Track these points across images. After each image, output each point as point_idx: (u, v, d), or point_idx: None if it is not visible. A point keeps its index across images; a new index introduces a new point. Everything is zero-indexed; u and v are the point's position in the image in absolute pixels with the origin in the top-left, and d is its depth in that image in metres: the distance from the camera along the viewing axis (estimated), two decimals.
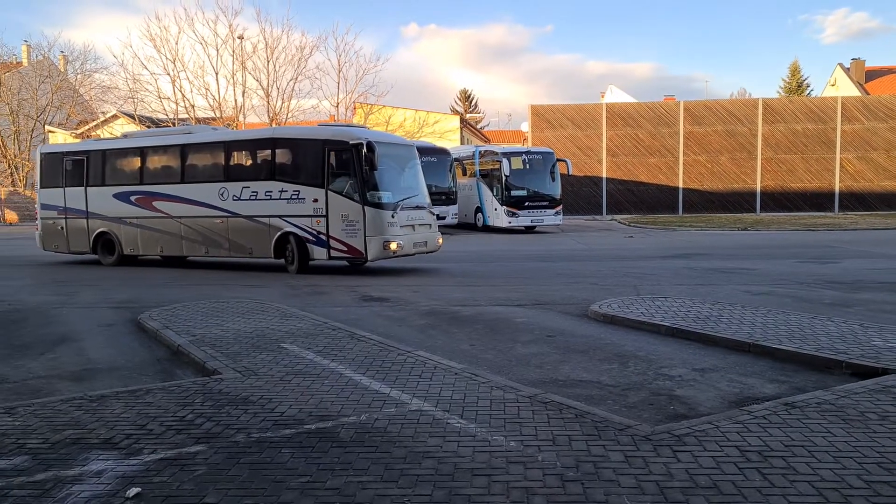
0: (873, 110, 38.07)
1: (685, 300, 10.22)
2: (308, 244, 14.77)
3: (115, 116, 45.28)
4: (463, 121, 52.00)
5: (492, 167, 28.56)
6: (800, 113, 38.67)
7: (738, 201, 38.61)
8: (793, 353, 7.12)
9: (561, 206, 28.61)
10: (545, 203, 27.98)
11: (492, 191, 28.38)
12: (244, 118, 40.38)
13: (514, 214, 27.56)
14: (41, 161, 18.94)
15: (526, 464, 4.34)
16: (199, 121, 39.54)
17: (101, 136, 37.11)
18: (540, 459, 4.40)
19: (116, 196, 17.38)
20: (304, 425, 5.12)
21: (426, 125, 42.46)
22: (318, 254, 14.70)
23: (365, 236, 14.12)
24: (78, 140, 44.19)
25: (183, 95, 40.67)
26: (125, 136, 19.48)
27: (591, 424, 5.00)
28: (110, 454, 4.61)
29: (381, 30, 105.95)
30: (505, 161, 27.39)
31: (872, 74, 55.21)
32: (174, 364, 7.54)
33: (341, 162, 14.33)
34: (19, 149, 47.77)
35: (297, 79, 40.92)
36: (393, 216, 14.28)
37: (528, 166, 28.12)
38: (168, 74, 40.35)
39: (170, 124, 39.74)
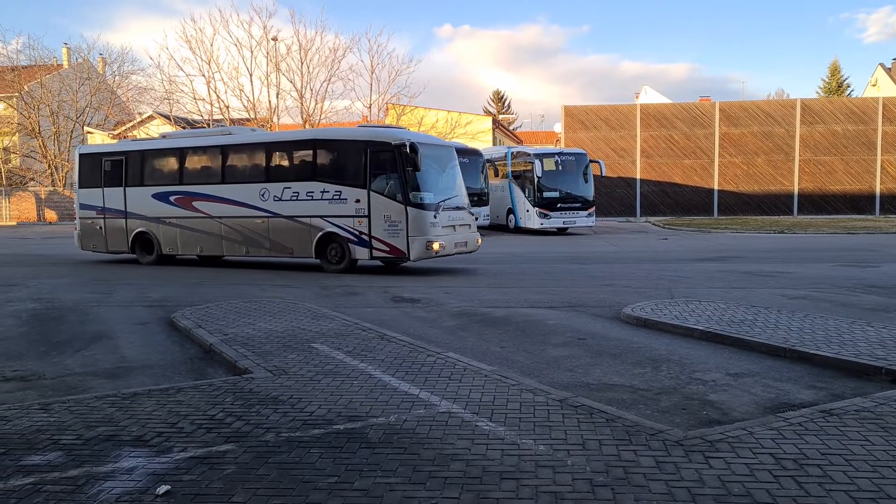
0: None
1: (719, 303, 10.05)
2: (350, 244, 14.93)
3: (151, 117, 46.06)
4: (495, 122, 51.92)
5: (524, 168, 28.44)
6: (839, 114, 37.92)
7: (774, 203, 37.99)
8: (830, 359, 6.96)
9: (594, 208, 28.40)
10: (577, 205, 27.79)
11: (524, 192, 28.26)
12: (278, 119, 40.78)
13: (545, 216, 27.42)
14: (80, 161, 19.12)
15: (555, 468, 4.29)
16: (233, 122, 40.01)
17: (138, 137, 37.70)
18: (569, 464, 4.35)
19: (156, 196, 17.51)
20: (333, 425, 5.12)
21: (458, 126, 42.46)
22: (360, 254, 14.86)
23: (408, 236, 14.30)
24: (115, 140, 45.08)
25: (218, 96, 41.23)
26: (163, 136, 19.64)
27: (622, 429, 4.94)
28: (141, 451, 4.66)
29: (415, 31, 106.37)
30: (537, 162, 27.27)
31: None
32: (206, 363, 7.62)
33: (383, 163, 14.54)
34: (59, 149, 48.76)
35: (330, 80, 41.24)
36: (435, 216, 14.43)
37: (560, 167, 27.94)
38: (203, 76, 40.95)
39: (205, 125, 40.31)
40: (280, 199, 15.73)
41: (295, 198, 15.53)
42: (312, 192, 15.31)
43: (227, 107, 41.42)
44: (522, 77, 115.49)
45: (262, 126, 38.54)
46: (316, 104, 40.90)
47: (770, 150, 38.08)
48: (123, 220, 18.04)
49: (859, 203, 37.50)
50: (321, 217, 15.19)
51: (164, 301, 11.66)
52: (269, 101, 41.26)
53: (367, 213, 14.63)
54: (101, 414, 5.45)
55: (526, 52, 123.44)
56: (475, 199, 26.36)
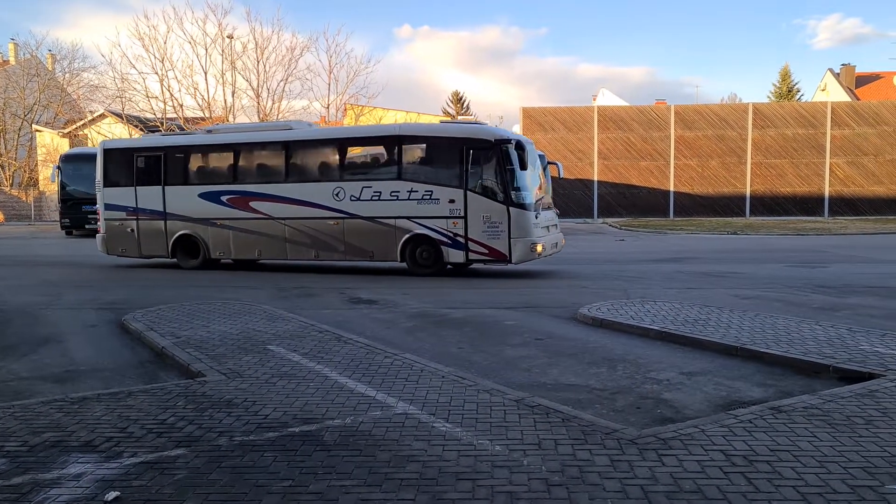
0: (863, 115, 38.26)
1: (674, 304, 10.21)
2: (442, 246, 14.25)
3: (102, 116, 45.02)
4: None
5: None
6: (790, 118, 38.84)
7: (728, 205, 38.73)
8: (780, 357, 7.11)
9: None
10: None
11: None
12: (234, 119, 40.23)
13: None
14: (104, 157, 17.17)
15: (511, 468, 4.31)
16: (187, 121, 39.37)
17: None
18: (525, 464, 4.37)
19: (204, 196, 16.11)
20: (288, 428, 5.07)
21: None
22: (454, 256, 14.24)
23: (510, 238, 13.73)
24: (65, 138, 43.97)
25: (171, 95, 40.47)
26: (209, 131, 17.67)
27: (578, 428, 4.97)
28: (90, 457, 4.54)
29: (374, 31, 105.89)
30: None
31: (862, 80, 55.55)
32: (158, 366, 7.47)
33: (482, 161, 13.93)
34: (6, 148, 47.44)
35: (287, 79, 40.83)
36: (536, 217, 13.98)
37: None
38: (156, 73, 40.15)
39: (157, 124, 39.59)
40: (358, 199, 14.77)
41: (377, 198, 14.61)
42: (398, 191, 14.45)
43: (182, 105, 40.74)
44: (482, 78, 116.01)
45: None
46: (273, 104, 40.51)
47: (723, 152, 38.82)
48: (162, 222, 16.46)
49: (808, 205, 38.45)
50: (408, 218, 14.39)
51: (117, 303, 11.40)
52: (225, 100, 40.72)
53: (463, 214, 13.97)
54: (47, 419, 5.31)
55: (485, 54, 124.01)
56: None
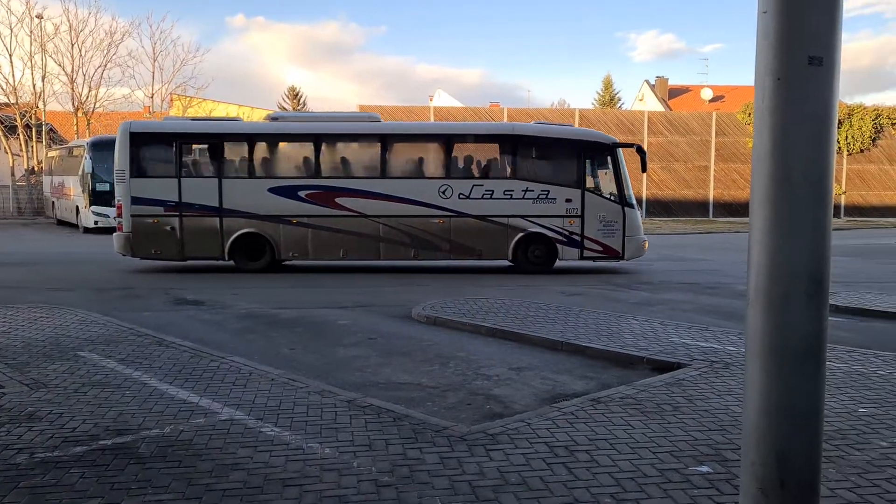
0: (675, 125, 41.50)
1: (505, 300, 10.53)
2: (558, 244, 14.53)
3: None
4: None
5: None
6: (612, 124, 41.37)
7: None
8: (601, 351, 7.53)
9: None
10: None
11: None
12: (44, 105, 36.99)
13: None
14: (130, 143, 14.48)
15: (341, 471, 4.23)
16: None
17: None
18: (355, 465, 4.30)
19: (275, 191, 14.48)
20: (99, 441, 4.69)
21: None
22: (569, 254, 14.59)
23: (623, 236, 14.46)
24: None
25: None
26: (273, 119, 15.92)
27: (409, 427, 4.97)
28: None
29: (204, 19, 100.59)
30: None
31: (675, 92, 60.25)
32: None
33: (598, 163, 14.75)
34: None
35: (106, 66, 38.02)
36: (640, 216, 14.79)
37: None
38: None
39: None
40: (468, 198, 14.41)
41: (489, 196, 14.45)
42: (512, 190, 14.44)
43: None
44: (320, 74, 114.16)
45: (26, 113, 34.93)
46: (90, 90, 37.62)
47: None
48: (217, 219, 14.42)
49: None
50: (522, 217, 14.44)
51: None
52: (34, 85, 37.30)
53: (580, 213, 14.39)
54: None
55: (324, 49, 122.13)
56: None
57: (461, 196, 14.49)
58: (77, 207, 25.52)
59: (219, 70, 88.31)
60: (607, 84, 65.49)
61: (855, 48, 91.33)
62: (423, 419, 5.17)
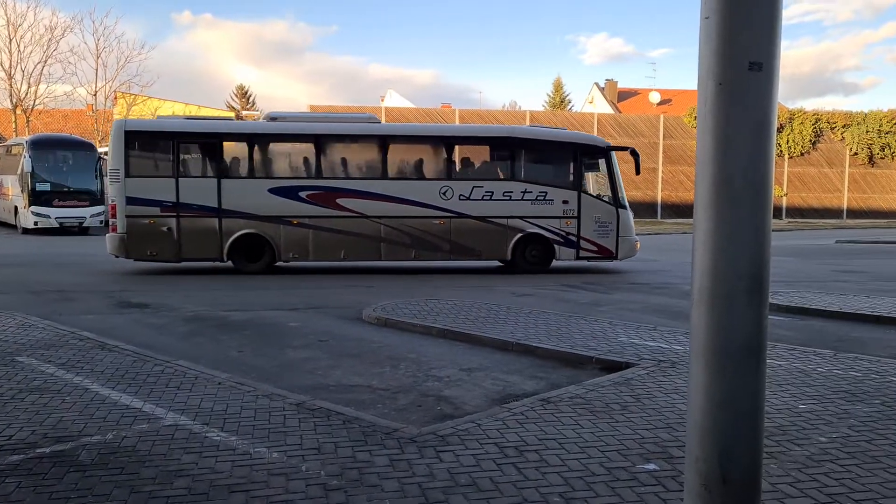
0: (624, 127, 42.16)
1: (456, 301, 10.55)
2: (555, 245, 14.89)
3: None
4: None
5: None
6: (562, 126, 41.83)
7: None
8: (551, 351, 7.59)
9: None
10: None
11: None
12: None
13: None
14: (125, 141, 14.10)
15: (289, 475, 4.17)
16: None
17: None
18: (304, 469, 4.25)
19: (275, 191, 14.33)
20: (37, 449, 4.54)
21: None
22: (565, 254, 14.99)
23: (617, 237, 14.89)
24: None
25: None
26: (272, 118, 15.30)
27: (359, 430, 4.93)
28: None
29: (150, 15, 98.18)
30: None
31: (624, 95, 61.15)
32: None
33: (593, 165, 15.27)
34: None
35: (46, 62, 36.98)
36: (632, 217, 15.28)
37: None
38: None
39: None
40: (468, 199, 14.63)
41: (488, 197, 14.68)
42: (511, 191, 14.73)
43: None
44: (269, 73, 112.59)
45: None
46: (29, 87, 36.51)
47: None
48: (216, 220, 14.19)
49: None
50: (521, 218, 14.75)
51: None
52: None
53: (576, 214, 14.79)
54: None
55: (273, 48, 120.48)
56: (89, 197, 24.66)
57: (461, 197, 14.72)
58: (16, 208, 24.78)
59: (165, 68, 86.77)
60: (558, 86, 66.17)
61: (796, 55, 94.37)
62: (373, 421, 5.14)
